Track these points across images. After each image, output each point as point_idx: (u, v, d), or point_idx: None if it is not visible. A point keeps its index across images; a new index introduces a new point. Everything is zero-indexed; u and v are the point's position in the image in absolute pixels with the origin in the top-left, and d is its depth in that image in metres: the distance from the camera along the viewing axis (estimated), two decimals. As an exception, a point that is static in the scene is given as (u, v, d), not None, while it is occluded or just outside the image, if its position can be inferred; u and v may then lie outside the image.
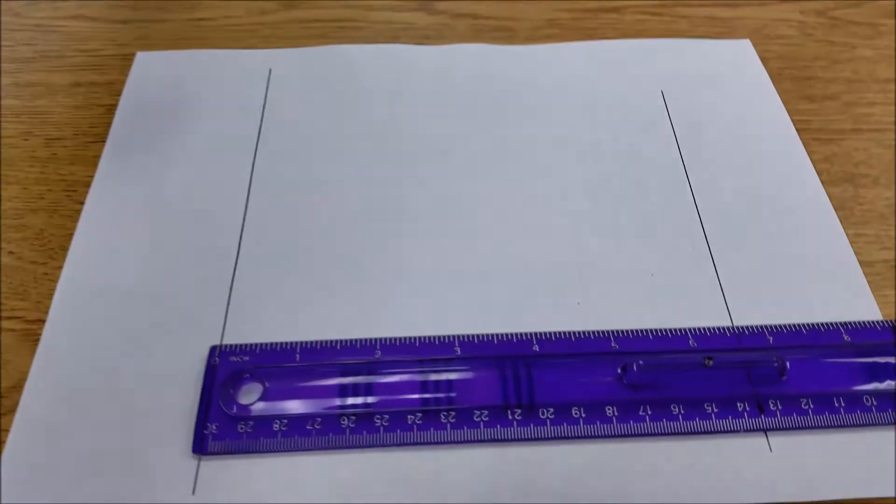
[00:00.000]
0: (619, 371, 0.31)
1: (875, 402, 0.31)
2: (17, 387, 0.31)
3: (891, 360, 0.32)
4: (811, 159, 0.40)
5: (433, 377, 0.31)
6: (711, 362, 0.31)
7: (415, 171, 0.39)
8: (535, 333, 0.33)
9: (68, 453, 0.29)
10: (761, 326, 0.33)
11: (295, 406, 0.30)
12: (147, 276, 0.34)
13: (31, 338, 0.33)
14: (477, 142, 0.40)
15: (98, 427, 0.30)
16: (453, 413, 0.30)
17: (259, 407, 0.30)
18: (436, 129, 0.41)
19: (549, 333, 0.33)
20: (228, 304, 0.33)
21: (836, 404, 0.31)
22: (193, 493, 0.28)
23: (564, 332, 0.33)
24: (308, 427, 0.30)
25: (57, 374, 0.31)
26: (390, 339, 0.32)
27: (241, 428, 0.30)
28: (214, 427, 0.30)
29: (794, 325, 0.33)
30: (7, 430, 0.30)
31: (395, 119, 0.41)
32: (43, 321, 0.33)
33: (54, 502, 0.28)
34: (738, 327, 0.33)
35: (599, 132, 0.41)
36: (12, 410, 0.30)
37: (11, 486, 0.28)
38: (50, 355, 0.32)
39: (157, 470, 0.29)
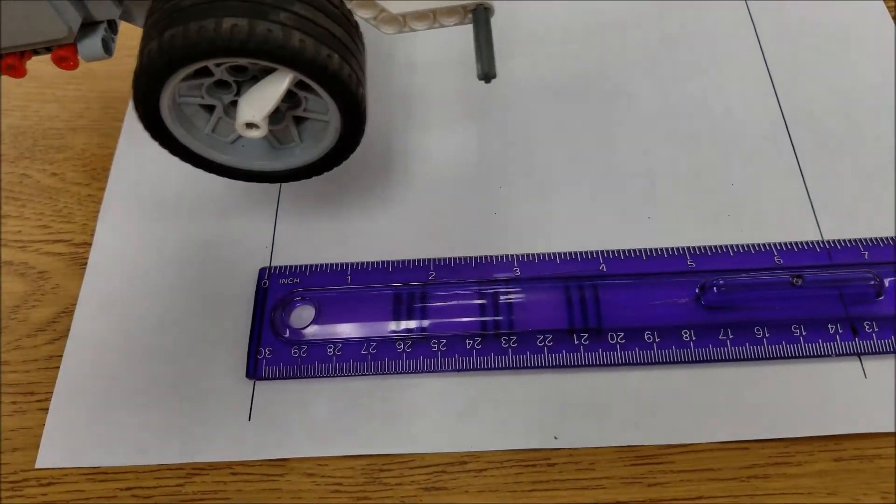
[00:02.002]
0: (696, 291, 0.29)
1: None
2: (68, 312, 0.30)
3: None
4: (915, 52, 0.35)
5: (492, 299, 0.29)
6: (801, 281, 0.28)
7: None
8: (602, 251, 0.30)
9: (122, 380, 0.28)
10: (855, 240, 0.30)
11: (349, 330, 0.29)
12: (191, 195, 0.33)
13: (79, 262, 0.32)
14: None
15: (150, 353, 0.29)
16: (514, 337, 0.28)
17: (312, 330, 0.29)
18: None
19: (618, 251, 0.30)
20: (276, 222, 0.32)
21: (942, 326, 0.28)
22: (249, 419, 0.27)
23: (634, 250, 0.30)
24: (363, 352, 0.28)
25: (106, 299, 0.30)
26: (445, 258, 0.30)
27: (295, 352, 0.28)
28: (268, 351, 0.28)
29: (892, 239, 0.30)
30: (60, 356, 0.29)
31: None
32: (89, 244, 0.32)
33: (110, 430, 0.27)
34: (828, 242, 0.30)
35: (670, 21, 0.37)
36: (64, 336, 0.30)
37: (66, 415, 0.28)
38: (98, 280, 0.31)
39: (212, 396, 0.28)
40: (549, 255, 0.30)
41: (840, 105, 0.34)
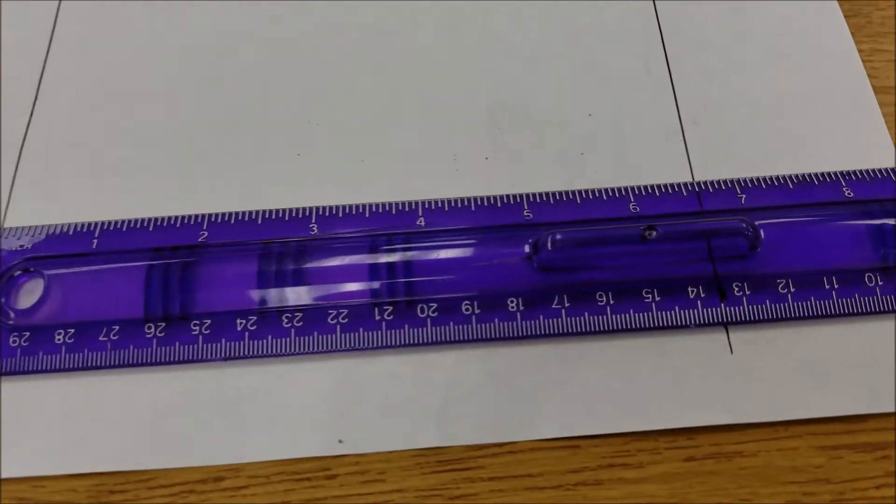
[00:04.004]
0: (527, 249, 0.23)
1: (881, 282, 0.22)
2: None
3: (909, 221, 0.23)
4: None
5: (276, 265, 0.23)
6: (654, 233, 0.22)
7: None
8: (423, 202, 0.24)
9: None
10: (731, 181, 0.24)
11: (86, 310, 0.22)
12: None
13: None
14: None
15: None
16: (299, 315, 0.22)
17: (39, 312, 0.22)
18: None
19: (442, 201, 0.24)
20: (16, 172, 0.25)
21: (827, 286, 0.22)
22: (-46, 428, 0.21)
23: (462, 199, 0.24)
24: (102, 339, 0.22)
25: None
26: (221, 214, 0.24)
27: (14, 341, 0.22)
28: (-19, 340, 0.22)
29: (776, 178, 0.24)
30: None
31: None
32: None
33: None
34: (699, 183, 0.24)
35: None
36: None
37: None
38: None
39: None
40: (356, 207, 0.24)
41: (729, 12, 0.28)
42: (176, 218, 0.24)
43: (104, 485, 0.21)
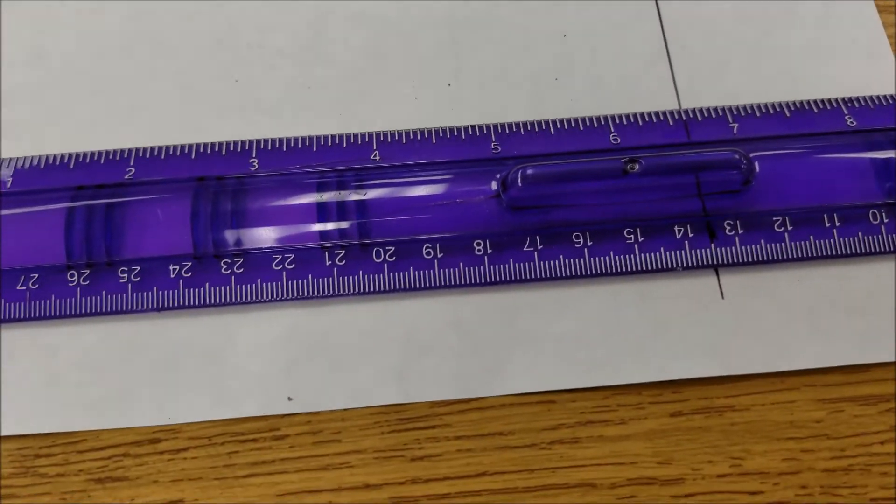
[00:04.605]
0: (495, 186, 0.20)
1: (886, 220, 0.20)
2: None
3: (916, 152, 0.21)
4: None
5: (213, 206, 0.20)
6: (636, 167, 0.20)
7: None
8: (378, 134, 0.21)
9: None
10: (722, 109, 0.22)
11: (1, 256, 0.20)
12: None
13: None
14: None
15: None
16: (240, 260, 0.20)
17: (-57, 260, 0.20)
18: None
19: (399, 133, 0.21)
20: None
21: (828, 224, 0.20)
22: None
23: (422, 131, 0.21)
24: (20, 287, 0.20)
25: None
26: (151, 149, 0.21)
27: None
28: None
29: (772, 106, 0.22)
30: None
31: None
32: None
33: None
34: (686, 111, 0.22)
35: None
36: None
37: None
38: None
39: None
40: (302, 140, 0.22)
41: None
42: (99, 153, 0.21)
43: (29, 448, 0.19)
